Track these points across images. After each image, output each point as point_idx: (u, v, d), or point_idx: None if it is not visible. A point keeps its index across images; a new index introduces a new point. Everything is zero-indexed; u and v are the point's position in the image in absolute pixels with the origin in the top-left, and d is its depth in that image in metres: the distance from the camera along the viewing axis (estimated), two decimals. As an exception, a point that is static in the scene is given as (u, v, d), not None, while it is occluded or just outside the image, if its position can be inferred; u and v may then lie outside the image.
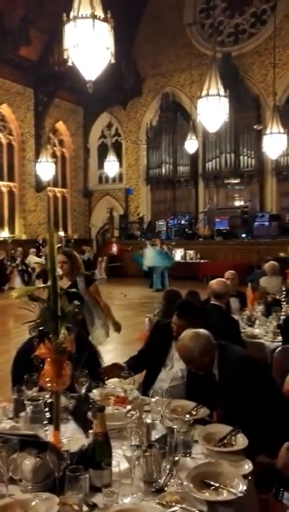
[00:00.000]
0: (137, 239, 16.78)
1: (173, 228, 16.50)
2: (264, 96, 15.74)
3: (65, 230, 18.74)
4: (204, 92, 8.67)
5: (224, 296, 4.06)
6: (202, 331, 2.46)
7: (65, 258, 3.87)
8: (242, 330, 4.12)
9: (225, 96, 8.72)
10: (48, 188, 17.57)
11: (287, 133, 11.65)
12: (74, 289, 3.67)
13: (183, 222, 16.71)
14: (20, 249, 14.78)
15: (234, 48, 16.41)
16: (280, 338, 3.94)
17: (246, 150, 15.92)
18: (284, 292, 5.03)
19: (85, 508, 1.48)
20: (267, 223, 14.92)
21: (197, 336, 2.41)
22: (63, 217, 18.81)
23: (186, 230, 16.33)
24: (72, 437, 1.96)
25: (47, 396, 2.08)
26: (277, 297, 5.00)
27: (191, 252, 15.37)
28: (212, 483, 1.66)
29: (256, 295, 5.04)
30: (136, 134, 18.41)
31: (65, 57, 5.77)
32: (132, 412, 2.01)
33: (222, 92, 8.63)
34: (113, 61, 5.86)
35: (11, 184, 16.43)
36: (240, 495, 1.59)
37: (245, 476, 1.71)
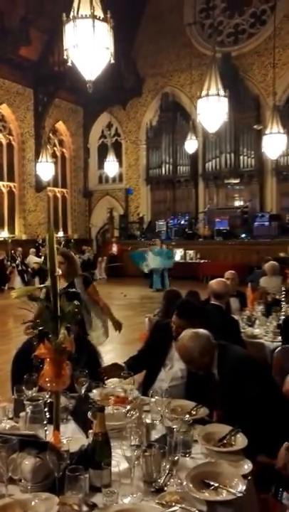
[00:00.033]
0: (137, 239, 16.79)
1: (173, 228, 16.51)
2: (264, 96, 15.75)
3: (65, 230, 18.74)
4: (204, 92, 8.67)
5: (224, 296, 4.06)
6: (202, 330, 2.46)
7: (62, 259, 3.85)
8: (242, 330, 4.12)
9: (225, 96, 8.73)
10: (48, 188, 17.58)
11: (287, 133, 11.65)
12: (74, 289, 3.66)
13: (183, 222, 16.71)
14: (20, 249, 14.78)
15: (234, 48, 16.41)
16: (279, 338, 3.94)
17: (246, 150, 15.93)
18: (284, 292, 5.03)
19: (84, 508, 1.48)
20: (267, 223, 14.92)
21: (197, 335, 2.41)
22: (63, 218, 18.81)
23: (186, 230, 16.33)
24: (72, 437, 1.96)
25: (47, 396, 2.08)
26: (277, 297, 4.99)
27: (191, 252, 15.38)
28: (212, 483, 1.66)
29: (256, 295, 5.04)
30: (136, 134, 18.41)
31: (65, 57, 5.77)
32: (132, 412, 2.01)
33: (222, 92, 8.63)
34: (113, 61, 5.86)
35: (11, 184, 16.43)
36: (239, 495, 1.59)
37: (244, 476, 1.71)
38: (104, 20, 5.64)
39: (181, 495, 1.59)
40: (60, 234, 18.05)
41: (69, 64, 5.85)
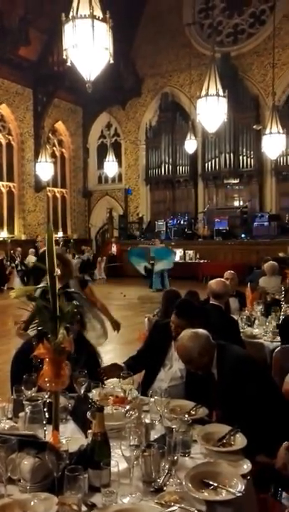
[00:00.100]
0: (136, 239, 16.78)
1: (172, 228, 16.51)
2: (263, 96, 15.76)
3: (65, 230, 18.75)
4: (203, 92, 8.68)
5: (223, 296, 4.06)
6: (201, 330, 2.46)
7: (56, 260, 3.83)
8: (241, 330, 4.12)
9: (224, 96, 8.73)
10: (48, 188, 17.59)
11: (286, 133, 11.66)
12: (72, 289, 3.66)
13: (182, 222, 16.72)
14: (19, 249, 14.78)
15: (233, 48, 16.42)
16: (279, 338, 3.94)
17: (245, 150, 15.94)
18: (283, 292, 5.03)
19: (83, 508, 1.48)
20: (266, 223, 14.92)
21: (196, 335, 2.41)
22: (63, 218, 18.81)
23: (186, 230, 16.33)
24: (71, 437, 1.96)
25: (46, 396, 2.08)
26: (277, 297, 5.00)
27: (190, 252, 15.38)
28: (211, 482, 1.66)
29: (255, 295, 5.04)
30: (135, 134, 18.42)
31: (65, 57, 5.77)
32: (131, 412, 2.02)
33: (221, 92, 8.64)
34: (112, 61, 5.86)
35: (10, 184, 16.44)
36: (238, 494, 1.59)
37: (244, 476, 1.71)
38: (104, 20, 5.64)
39: (180, 495, 1.59)
40: (60, 234, 18.05)
41: (68, 64, 5.85)
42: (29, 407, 1.91)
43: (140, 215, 18.21)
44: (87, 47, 5.63)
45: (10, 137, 16.38)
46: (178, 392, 2.62)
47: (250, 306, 4.80)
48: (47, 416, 1.95)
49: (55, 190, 18.43)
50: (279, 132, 11.23)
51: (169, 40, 16.83)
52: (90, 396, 2.30)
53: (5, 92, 15.58)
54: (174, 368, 2.87)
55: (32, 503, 1.51)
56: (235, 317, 4.33)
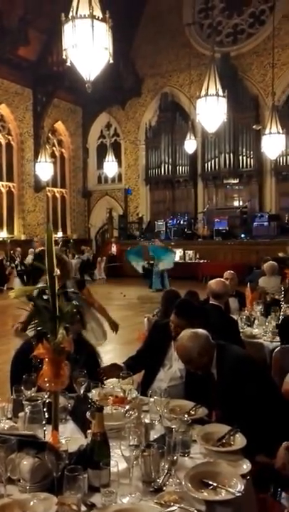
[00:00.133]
0: (136, 239, 16.78)
1: (172, 228, 16.51)
2: (263, 96, 15.76)
3: (64, 231, 18.75)
4: (203, 92, 8.69)
5: (223, 296, 4.06)
6: (201, 330, 2.46)
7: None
8: (241, 330, 4.12)
9: (224, 96, 8.73)
10: (47, 188, 17.59)
11: (285, 133, 11.67)
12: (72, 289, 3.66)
13: (182, 222, 16.72)
14: (19, 249, 14.77)
15: (233, 48, 16.42)
16: (278, 338, 3.94)
17: (245, 150, 15.93)
18: (283, 292, 5.03)
19: (83, 508, 1.48)
20: (266, 223, 14.92)
21: (196, 335, 2.41)
22: (62, 218, 18.81)
23: (186, 230, 16.33)
24: (70, 437, 1.96)
25: (45, 396, 2.08)
26: (276, 297, 5.00)
27: (190, 252, 15.38)
28: (210, 482, 1.66)
29: (255, 295, 5.04)
30: (135, 134, 18.42)
31: (64, 57, 5.78)
32: (131, 412, 2.02)
33: (221, 92, 8.64)
34: (112, 61, 5.87)
35: (10, 184, 16.44)
36: (238, 494, 1.59)
37: (243, 476, 1.71)
38: (103, 20, 5.65)
39: (179, 495, 1.59)
40: (60, 234, 18.05)
41: (68, 64, 5.85)
42: (29, 407, 1.91)
43: (140, 215, 18.21)
44: (87, 47, 5.64)
45: (9, 137, 16.38)
46: (177, 392, 2.62)
47: (249, 306, 4.80)
48: (46, 416, 1.95)
49: (55, 190, 18.43)
50: (278, 132, 11.24)
51: (168, 40, 16.84)
52: (90, 396, 2.30)
53: (4, 92, 15.58)
54: (173, 368, 2.87)
55: (31, 503, 1.51)
56: (235, 317, 4.33)
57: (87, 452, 1.69)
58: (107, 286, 14.08)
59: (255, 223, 15.06)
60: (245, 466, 1.79)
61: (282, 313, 4.50)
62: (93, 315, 4.10)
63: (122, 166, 18.50)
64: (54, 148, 18.27)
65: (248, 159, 15.93)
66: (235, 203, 16.60)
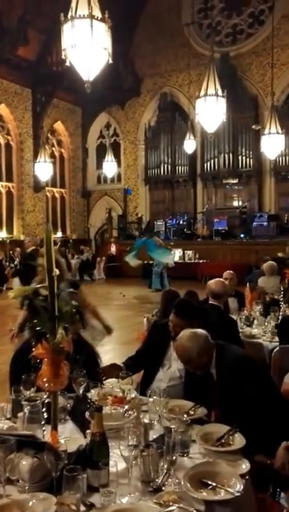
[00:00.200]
0: (135, 239, 16.78)
1: (171, 228, 16.51)
2: (262, 96, 15.76)
3: (64, 231, 18.75)
4: (202, 92, 8.69)
5: (222, 296, 4.06)
6: (200, 330, 2.46)
7: None
8: (240, 330, 4.12)
9: (223, 96, 8.74)
10: (47, 189, 17.58)
11: (285, 133, 11.67)
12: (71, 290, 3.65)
13: (181, 222, 16.72)
14: (18, 249, 14.74)
15: (232, 48, 16.42)
16: (278, 338, 3.94)
17: (244, 150, 15.93)
18: (282, 292, 5.03)
19: (82, 507, 1.48)
20: (265, 223, 14.92)
21: (195, 335, 2.41)
22: (62, 218, 18.81)
23: (185, 230, 16.33)
24: (69, 437, 1.96)
25: (45, 396, 2.08)
26: (276, 297, 4.99)
27: (189, 252, 15.38)
28: (210, 482, 1.66)
29: (254, 295, 5.04)
30: (134, 134, 18.42)
31: (63, 57, 5.78)
32: (130, 412, 2.01)
33: (220, 92, 8.65)
34: (111, 61, 5.87)
35: (10, 184, 16.43)
36: (237, 494, 1.59)
37: (242, 476, 1.71)
38: (102, 20, 5.65)
39: (178, 495, 1.59)
40: (59, 234, 18.05)
41: (67, 64, 5.86)
42: (28, 407, 1.92)
43: (139, 215, 18.20)
44: (86, 47, 5.64)
45: (9, 137, 16.37)
46: (177, 392, 2.62)
47: (249, 306, 4.81)
48: (46, 416, 1.95)
49: (54, 190, 18.43)
50: (278, 132, 11.24)
51: (168, 40, 16.84)
52: (89, 396, 2.30)
53: (4, 92, 15.57)
54: (172, 368, 2.87)
55: (30, 503, 1.51)
56: (234, 317, 4.33)
57: (87, 452, 1.69)
58: (107, 286, 14.08)
59: (254, 223, 15.06)
60: (245, 466, 1.79)
61: (281, 313, 4.50)
62: (87, 317, 4.09)
63: (121, 166, 18.50)
64: (53, 148, 18.27)
65: (248, 159, 15.93)
66: (235, 203, 16.60)
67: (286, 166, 15.43)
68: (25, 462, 1.62)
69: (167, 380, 2.84)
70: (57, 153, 18.48)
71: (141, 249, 13.08)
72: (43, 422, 1.92)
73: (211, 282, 4.09)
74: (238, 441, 1.94)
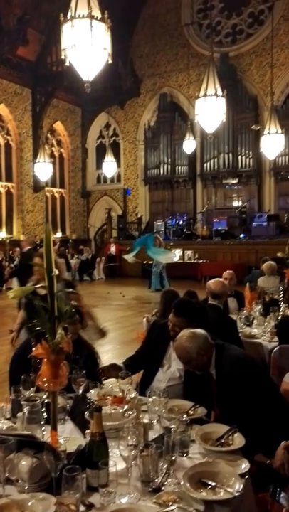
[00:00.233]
0: (135, 239, 16.78)
1: (171, 228, 16.50)
2: (262, 96, 15.77)
3: (64, 231, 18.74)
4: (202, 93, 8.69)
5: (222, 296, 4.07)
6: (199, 330, 2.46)
7: (41, 261, 3.78)
8: (240, 330, 4.12)
9: (222, 96, 8.74)
10: (46, 189, 17.57)
11: (284, 133, 11.67)
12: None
13: (181, 222, 16.72)
14: (18, 249, 14.74)
15: (232, 48, 16.43)
16: (277, 337, 3.94)
17: (244, 150, 15.94)
18: (282, 292, 5.03)
19: (81, 507, 1.48)
20: (265, 223, 14.92)
21: (194, 335, 2.41)
22: (61, 218, 18.81)
23: (185, 230, 16.33)
24: (69, 437, 1.96)
25: (44, 396, 2.08)
26: (275, 297, 5.00)
27: (189, 252, 15.37)
28: (209, 482, 1.66)
29: (254, 295, 5.04)
30: (134, 134, 18.42)
31: (63, 57, 5.78)
32: (129, 412, 2.02)
33: (220, 92, 8.65)
34: (110, 61, 5.87)
35: (9, 184, 16.42)
36: (237, 494, 1.59)
37: (242, 476, 1.71)
38: (102, 20, 5.65)
39: (178, 494, 1.59)
40: (59, 234, 18.05)
41: (67, 64, 5.86)
42: (27, 407, 1.91)
43: (139, 215, 18.21)
44: (86, 47, 5.65)
45: (8, 137, 16.37)
46: (176, 392, 2.63)
47: (248, 306, 4.81)
48: (45, 416, 1.95)
49: (54, 190, 18.42)
50: (277, 132, 11.26)
51: (167, 40, 16.85)
52: (88, 396, 2.30)
53: (3, 92, 15.57)
54: (172, 368, 2.87)
55: (30, 503, 1.51)
56: (234, 317, 4.34)
57: (86, 452, 1.69)
58: (106, 287, 14.08)
59: (254, 223, 15.07)
60: (244, 465, 1.79)
61: (281, 313, 4.51)
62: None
63: (121, 166, 18.50)
64: (53, 148, 18.27)
65: (247, 159, 15.93)
66: (235, 203, 16.60)
67: (286, 165, 15.44)
68: (24, 462, 1.62)
69: (167, 380, 2.84)
70: (56, 153, 18.48)
71: (141, 249, 13.10)
72: (42, 422, 1.92)
73: (211, 282, 4.09)
74: (238, 441, 1.94)
